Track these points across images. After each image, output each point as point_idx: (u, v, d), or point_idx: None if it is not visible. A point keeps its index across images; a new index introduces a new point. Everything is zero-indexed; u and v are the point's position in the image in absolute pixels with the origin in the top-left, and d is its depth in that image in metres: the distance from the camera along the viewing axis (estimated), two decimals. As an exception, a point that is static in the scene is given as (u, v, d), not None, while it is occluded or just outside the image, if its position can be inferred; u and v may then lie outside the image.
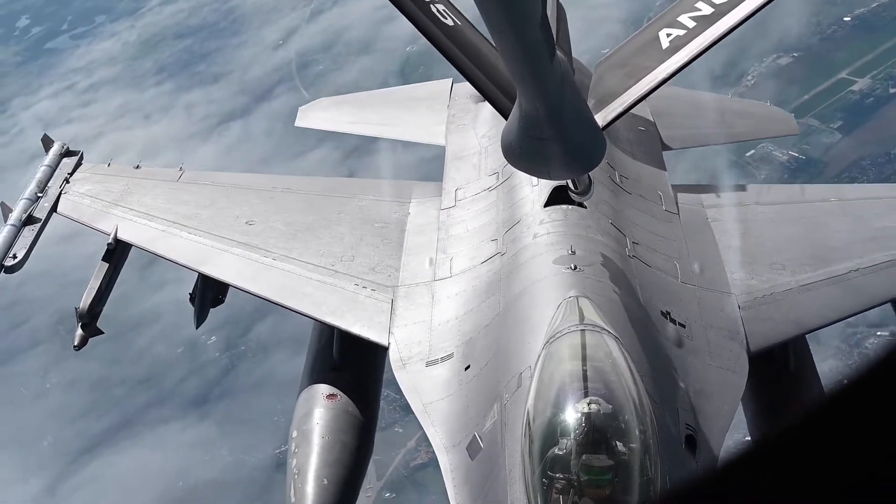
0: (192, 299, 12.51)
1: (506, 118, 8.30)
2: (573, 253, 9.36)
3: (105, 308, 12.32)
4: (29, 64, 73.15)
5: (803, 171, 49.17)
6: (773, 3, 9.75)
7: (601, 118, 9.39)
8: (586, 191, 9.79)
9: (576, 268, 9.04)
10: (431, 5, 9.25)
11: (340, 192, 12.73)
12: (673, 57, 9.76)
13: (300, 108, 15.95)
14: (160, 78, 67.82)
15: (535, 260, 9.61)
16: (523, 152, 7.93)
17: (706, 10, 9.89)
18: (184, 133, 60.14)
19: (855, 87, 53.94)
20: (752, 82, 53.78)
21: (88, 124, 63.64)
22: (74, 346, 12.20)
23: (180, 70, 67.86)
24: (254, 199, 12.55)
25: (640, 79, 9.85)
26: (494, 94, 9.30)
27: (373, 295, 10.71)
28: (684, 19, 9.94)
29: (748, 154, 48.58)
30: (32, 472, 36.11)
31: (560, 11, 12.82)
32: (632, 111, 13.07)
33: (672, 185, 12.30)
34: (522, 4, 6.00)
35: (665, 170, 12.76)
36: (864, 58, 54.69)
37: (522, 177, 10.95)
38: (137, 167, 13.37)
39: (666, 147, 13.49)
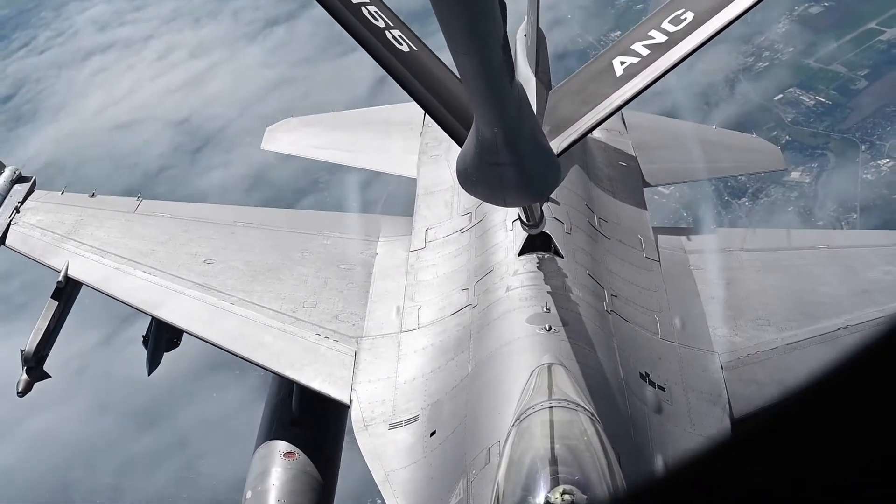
0: (145, 342, 11.82)
1: (460, 145, 7.97)
2: (547, 310, 8.90)
3: (51, 351, 11.54)
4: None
5: (829, 115, 49.47)
6: (726, 29, 9.54)
7: (556, 145, 9.16)
8: (538, 223, 9.51)
9: (550, 328, 8.59)
10: (386, 31, 8.86)
11: (305, 227, 12.04)
12: (627, 84, 9.54)
13: (267, 129, 15.07)
14: (209, -15, 69.65)
15: (508, 317, 9.08)
16: (479, 178, 7.51)
17: (659, 38, 9.71)
18: (231, 36, 62.29)
19: (883, 37, 53.93)
20: (783, 30, 54.44)
21: (141, 27, 66.22)
22: (18, 393, 11.29)
23: (229, -22, 69.69)
24: (213, 235, 11.81)
25: (595, 105, 9.60)
26: (449, 120, 8.85)
27: (335, 346, 10.11)
28: (638, 47, 9.74)
29: (776, 98, 49.36)
30: (89, 327, 38.34)
31: (540, 39, 12.51)
32: (614, 145, 13.22)
33: (653, 228, 11.83)
34: (484, 23, 5.76)
35: (646, 209, 12.27)
36: (894, 9, 55.21)
37: (496, 220, 10.63)
38: (92, 195, 12.54)
39: (646, 184, 13.00)
